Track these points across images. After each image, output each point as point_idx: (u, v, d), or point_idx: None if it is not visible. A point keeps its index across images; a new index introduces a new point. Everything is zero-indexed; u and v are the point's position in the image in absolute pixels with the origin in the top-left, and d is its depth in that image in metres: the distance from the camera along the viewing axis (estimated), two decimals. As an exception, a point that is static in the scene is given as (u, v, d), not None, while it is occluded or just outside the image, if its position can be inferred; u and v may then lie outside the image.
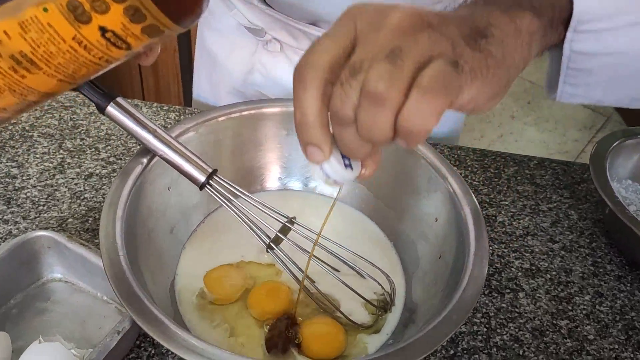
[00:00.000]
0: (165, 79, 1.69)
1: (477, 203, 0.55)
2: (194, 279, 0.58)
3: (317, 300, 0.56)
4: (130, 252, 0.48)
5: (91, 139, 0.77)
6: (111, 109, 0.53)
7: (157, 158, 0.56)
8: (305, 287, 0.56)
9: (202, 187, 0.55)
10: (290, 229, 0.57)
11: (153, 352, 0.54)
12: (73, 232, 0.64)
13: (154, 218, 0.56)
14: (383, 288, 0.56)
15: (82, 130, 0.79)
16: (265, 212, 0.56)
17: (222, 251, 0.61)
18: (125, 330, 0.49)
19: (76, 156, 0.74)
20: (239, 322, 0.55)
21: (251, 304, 0.56)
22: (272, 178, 0.68)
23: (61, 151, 0.75)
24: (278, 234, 0.55)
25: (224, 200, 0.55)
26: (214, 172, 0.55)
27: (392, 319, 0.57)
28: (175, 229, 0.60)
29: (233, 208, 0.55)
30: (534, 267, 0.68)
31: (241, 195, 0.55)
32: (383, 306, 0.57)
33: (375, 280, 0.56)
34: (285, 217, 0.56)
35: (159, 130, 0.54)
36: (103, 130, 0.79)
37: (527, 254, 0.69)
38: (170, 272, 0.58)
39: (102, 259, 0.45)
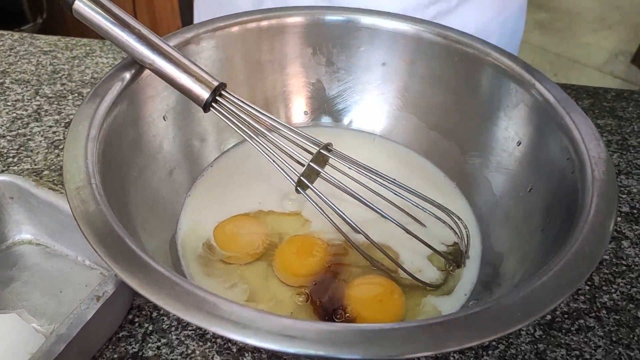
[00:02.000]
0: (163, 17, 1.56)
1: (580, 109, 0.40)
2: (202, 233, 0.44)
3: (367, 256, 0.42)
4: (112, 189, 0.35)
5: (74, 84, 0.64)
6: (80, 4, 0.39)
7: (145, 75, 0.42)
8: (350, 239, 0.42)
9: (206, 107, 0.41)
10: (326, 159, 0.43)
11: (151, 328, 0.40)
12: (50, 188, 0.51)
13: (145, 154, 0.43)
14: (456, 233, 0.42)
15: (64, 75, 0.65)
16: (292, 140, 0.42)
17: (236, 198, 0.47)
18: (108, 296, 0.36)
19: (55, 102, 0.61)
20: (262, 284, 0.41)
21: (279, 266, 0.42)
22: (296, 111, 0.54)
23: (38, 98, 0.61)
24: (311, 164, 0.41)
25: (236, 122, 0.41)
26: (222, 86, 0.41)
27: (468, 275, 0.42)
28: (175, 172, 0.46)
29: (249, 133, 0.41)
30: (635, 211, 0.53)
31: (260, 116, 0.41)
32: (455, 259, 0.43)
33: (445, 223, 0.42)
34: (318, 143, 0.42)
35: (144, 31, 0.40)
36: (88, 74, 0.65)
37: (623, 196, 0.54)
38: (171, 226, 0.44)
39: (65, 188, 0.31)
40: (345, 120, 0.54)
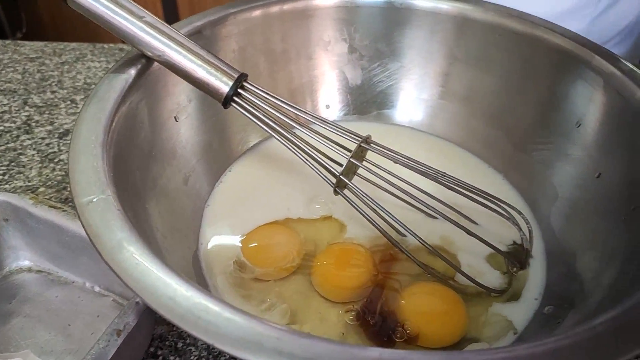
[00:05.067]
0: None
1: (654, 81, 0.35)
2: (227, 248, 0.39)
3: (419, 262, 0.36)
4: (128, 203, 0.29)
5: (65, 91, 0.58)
6: (76, -10, 0.34)
7: (153, 69, 0.37)
8: (398, 244, 0.37)
9: (226, 102, 0.35)
10: (364, 155, 0.38)
11: (177, 361, 0.35)
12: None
13: (156, 160, 0.37)
14: (520, 229, 0.37)
15: (53, 82, 0.59)
16: (324, 135, 0.37)
17: (260, 205, 0.42)
18: (130, 329, 0.30)
19: (47, 112, 0.55)
20: (302, 302, 0.36)
21: (319, 280, 0.37)
22: (319, 105, 0.49)
23: (27, 108, 0.56)
24: (352, 160, 0.35)
25: (262, 118, 0.36)
26: (243, 77, 0.36)
27: (535, 276, 0.37)
28: (191, 179, 0.40)
29: (277, 129, 0.36)
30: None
31: (289, 110, 0.36)
32: (517, 259, 0.38)
33: (509, 219, 0.36)
34: (357, 136, 0.36)
35: (151, 18, 0.34)
36: (80, 79, 0.60)
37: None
38: (192, 241, 0.38)
39: (74, 204, 0.26)
40: (372, 113, 0.49)
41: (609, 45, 0.65)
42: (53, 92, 0.58)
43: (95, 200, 0.26)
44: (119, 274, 0.23)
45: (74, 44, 0.66)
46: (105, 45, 0.66)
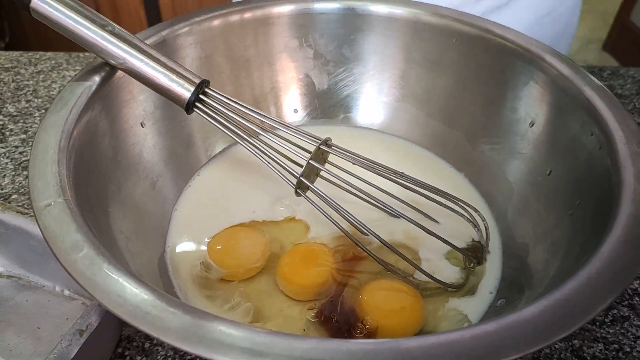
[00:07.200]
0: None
1: (597, 81, 0.37)
2: (193, 250, 0.40)
3: (380, 260, 0.37)
4: (89, 207, 0.30)
5: (40, 100, 0.59)
6: (38, 1, 0.35)
7: (118, 77, 0.38)
8: (360, 243, 0.38)
9: (189, 107, 0.36)
10: (325, 157, 0.39)
11: (144, 361, 0.36)
12: (19, 213, 0.46)
13: (123, 166, 0.38)
14: (476, 227, 0.38)
15: (28, 91, 0.60)
16: (286, 138, 0.38)
17: (227, 208, 0.43)
18: (93, 329, 0.31)
19: (21, 121, 0.56)
20: (266, 301, 0.37)
21: (283, 279, 0.38)
22: (286, 110, 0.50)
23: (0, 117, 0.56)
24: (312, 162, 0.37)
25: (225, 123, 0.37)
26: (205, 83, 0.37)
27: (491, 271, 0.39)
28: (159, 183, 0.41)
29: (239, 134, 0.37)
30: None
31: (251, 115, 0.37)
32: (475, 255, 0.39)
33: (464, 216, 0.38)
34: (316, 139, 0.38)
35: (112, 27, 0.36)
36: (55, 88, 0.61)
37: None
38: (158, 244, 0.39)
39: (33, 209, 0.27)
40: (339, 116, 0.51)
41: None
42: (28, 101, 0.59)
43: (52, 204, 0.27)
44: (72, 274, 0.24)
45: (49, 54, 0.67)
46: (81, 55, 0.67)
